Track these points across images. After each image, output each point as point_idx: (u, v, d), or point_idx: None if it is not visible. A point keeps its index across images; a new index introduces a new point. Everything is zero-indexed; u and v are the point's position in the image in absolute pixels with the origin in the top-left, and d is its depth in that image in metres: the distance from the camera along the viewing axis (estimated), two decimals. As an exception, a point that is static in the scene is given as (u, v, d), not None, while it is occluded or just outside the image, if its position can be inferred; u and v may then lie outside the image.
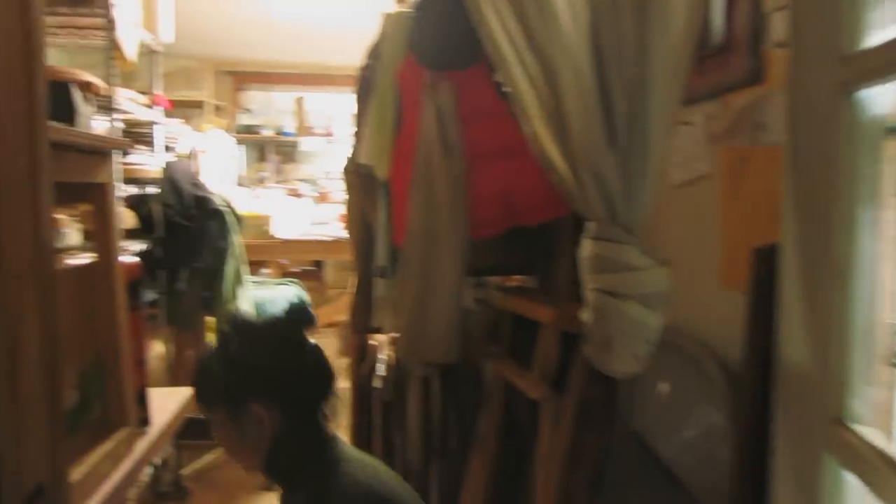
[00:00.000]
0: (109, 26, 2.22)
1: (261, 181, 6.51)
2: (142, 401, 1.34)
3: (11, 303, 0.70)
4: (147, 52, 2.74)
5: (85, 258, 1.20)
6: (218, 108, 6.30)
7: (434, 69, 1.77)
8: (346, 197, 2.13)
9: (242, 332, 1.30)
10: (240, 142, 6.67)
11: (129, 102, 2.46)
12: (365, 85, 1.98)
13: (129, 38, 2.36)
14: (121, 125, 3.26)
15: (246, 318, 1.37)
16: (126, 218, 2.66)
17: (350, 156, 2.10)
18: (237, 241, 2.91)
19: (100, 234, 1.19)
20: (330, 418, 1.34)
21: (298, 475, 1.26)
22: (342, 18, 4.94)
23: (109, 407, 1.21)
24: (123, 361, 1.23)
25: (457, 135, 1.73)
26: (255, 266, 3.95)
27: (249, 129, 6.29)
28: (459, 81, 1.77)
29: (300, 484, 1.26)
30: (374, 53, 1.95)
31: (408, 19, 1.80)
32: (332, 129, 6.22)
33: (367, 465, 1.31)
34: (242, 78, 6.68)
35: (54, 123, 0.95)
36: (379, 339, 2.28)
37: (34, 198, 0.74)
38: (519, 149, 1.80)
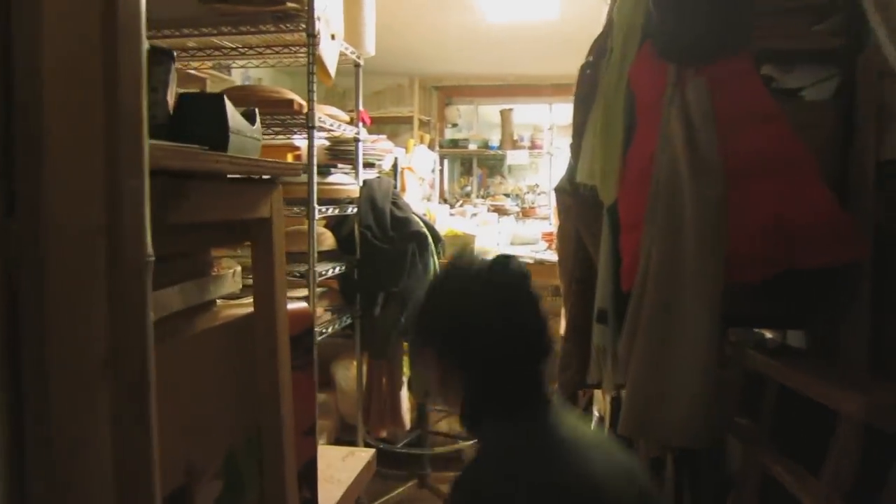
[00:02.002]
0: (312, 42, 2.10)
1: (466, 196, 6.41)
2: (308, 479, 1.10)
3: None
4: (351, 67, 2.62)
5: (240, 309, 0.97)
6: (424, 124, 6.30)
7: (681, 63, 1.37)
8: (558, 222, 1.80)
9: (455, 273, 1.18)
10: (445, 156, 6.64)
11: (331, 120, 2.34)
12: (586, 88, 1.62)
13: (331, 52, 2.23)
14: (323, 142, 3.24)
15: (464, 259, 1.18)
16: (326, 239, 2.56)
17: (565, 173, 1.75)
18: (436, 264, 2.69)
19: (261, 280, 0.96)
20: (544, 380, 1.13)
21: (486, 431, 1.12)
22: (552, 24, 4.62)
23: (266, 492, 0.98)
24: (285, 434, 0.99)
25: (712, 146, 1.31)
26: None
27: (455, 144, 6.21)
28: (714, 77, 1.36)
29: (483, 440, 1.13)
30: (600, 48, 1.59)
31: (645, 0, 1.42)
32: (538, 142, 5.92)
33: (566, 454, 1.03)
34: (448, 92, 6.64)
35: (188, 146, 0.71)
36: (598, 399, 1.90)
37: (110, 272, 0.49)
38: (797, 164, 1.34)
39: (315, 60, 2.16)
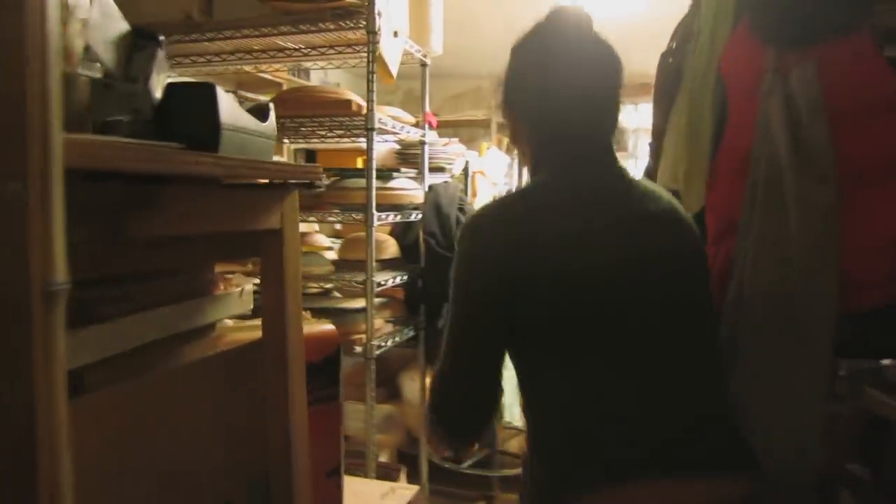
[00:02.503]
0: (373, 39, 1.98)
1: (544, 201, 6.19)
2: (331, 528, 0.96)
3: None
4: (417, 66, 2.49)
5: (246, 334, 0.84)
6: (501, 126, 6.13)
7: (784, 44, 1.15)
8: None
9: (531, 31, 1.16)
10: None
11: (393, 122, 2.21)
12: (669, 79, 1.41)
13: (393, 50, 2.11)
14: (394, 146, 3.13)
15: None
16: (389, 247, 2.44)
17: (643, 176, 1.55)
18: (505, 275, 2.52)
19: (271, 300, 0.82)
20: (607, 147, 1.12)
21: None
22: (639, 16, 4.35)
23: (276, 548, 0.84)
24: (297, 479, 0.85)
25: (822, 143, 1.08)
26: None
27: (534, 147, 6.00)
28: (825, 61, 1.13)
29: None
30: (685, 31, 1.38)
31: (740, -28, 1.21)
32: (622, 144, 5.64)
33: (573, 208, 1.04)
34: (529, 94, 6.44)
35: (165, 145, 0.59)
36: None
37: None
38: None
39: (375, 59, 2.04)
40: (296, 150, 4.09)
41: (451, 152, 3.18)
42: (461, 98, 6.47)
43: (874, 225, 1.05)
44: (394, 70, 2.13)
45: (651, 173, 1.47)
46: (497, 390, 1.07)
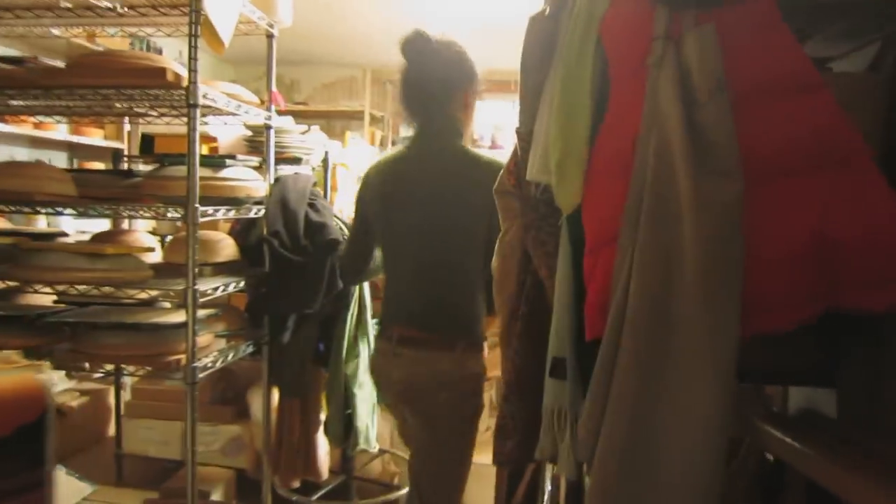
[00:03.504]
0: (195, -5, 1.62)
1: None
2: None
3: None
4: (261, 36, 2.14)
5: None
6: (377, 120, 5.83)
7: (676, 4, 0.93)
8: (501, 233, 1.34)
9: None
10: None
11: (228, 99, 1.85)
12: (539, 51, 1.17)
13: (224, 13, 1.75)
14: (245, 132, 2.74)
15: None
16: (224, 248, 2.07)
17: (506, 169, 1.29)
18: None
19: None
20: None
21: None
22: (510, 13, 4.20)
23: None
24: None
25: (722, 126, 0.87)
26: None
27: (410, 142, 5.75)
28: (724, 27, 0.92)
29: None
30: (559, -8, 1.14)
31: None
32: (500, 142, 5.49)
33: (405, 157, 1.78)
34: (405, 87, 6.18)
35: None
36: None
37: None
38: (849, 155, 0.92)
39: (200, 20, 1.68)
40: (142, 134, 3.59)
41: (309, 141, 2.84)
42: (334, 87, 6.11)
43: (785, 226, 0.85)
44: (225, 37, 1.77)
45: (522, 163, 1.22)
46: (369, 258, 1.87)
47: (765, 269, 0.86)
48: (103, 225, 3.11)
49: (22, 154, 3.65)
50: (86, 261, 1.72)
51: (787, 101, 0.87)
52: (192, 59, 1.66)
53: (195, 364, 1.73)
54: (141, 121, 2.47)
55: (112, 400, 3.09)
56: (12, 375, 0.69)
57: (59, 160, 4.01)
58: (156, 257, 2.15)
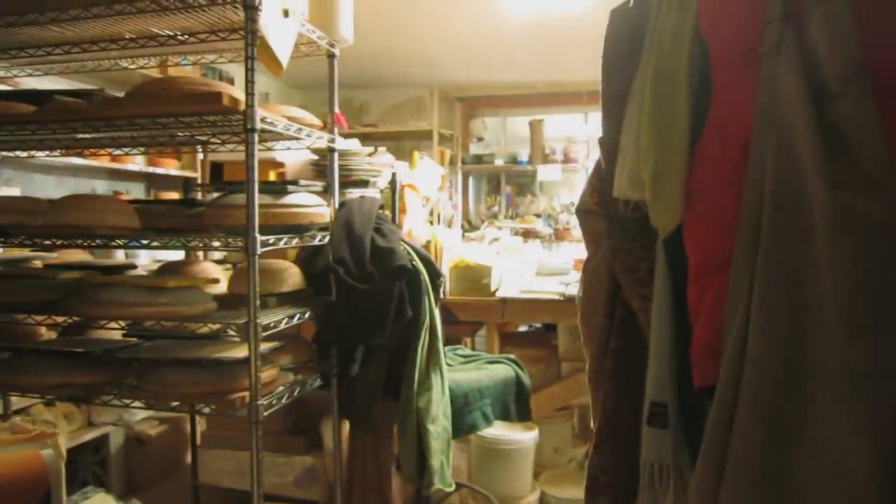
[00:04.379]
0: (251, 15, 1.55)
1: (493, 217, 5.81)
2: None
3: None
4: (322, 55, 2.07)
5: None
6: (446, 139, 5.74)
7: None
8: (585, 258, 1.18)
9: None
10: (470, 173, 6.07)
11: (285, 122, 1.78)
12: (624, 46, 1.02)
13: (282, 33, 1.68)
14: (310, 156, 2.69)
15: None
16: (289, 277, 1.99)
17: (590, 184, 1.14)
18: (433, 307, 2.10)
19: None
20: None
21: None
22: (584, 17, 4.03)
23: None
24: None
25: (868, 123, 0.69)
26: (466, 328, 3.15)
27: (480, 160, 5.63)
28: (861, 1, 0.75)
29: None
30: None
31: None
32: (572, 155, 5.30)
33: None
34: (472, 103, 6.08)
35: None
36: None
37: None
38: None
39: (256, 41, 1.61)
40: (212, 163, 3.62)
41: (376, 163, 2.76)
42: (403, 108, 6.08)
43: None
44: (283, 57, 1.70)
45: (607, 177, 1.07)
46: None
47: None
48: (179, 255, 3.13)
49: (101, 186, 3.75)
50: (147, 295, 1.67)
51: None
52: (250, 81, 1.59)
53: (259, 402, 1.64)
54: (210, 149, 2.45)
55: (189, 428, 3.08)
56: (12, 454, 0.61)
57: (137, 191, 4.11)
58: (223, 287, 2.09)
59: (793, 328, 0.72)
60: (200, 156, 3.87)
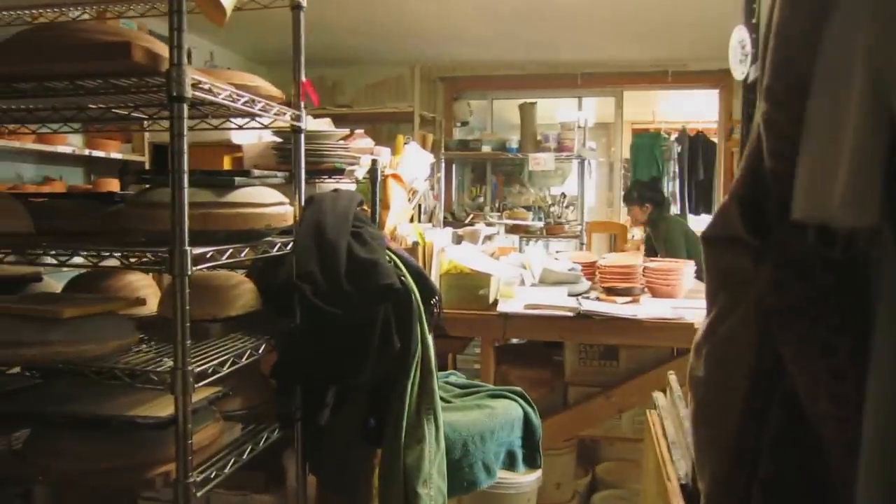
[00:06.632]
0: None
1: (478, 209, 5.36)
2: None
3: None
4: (284, 7, 1.58)
5: None
6: (427, 121, 5.26)
7: None
8: (711, 317, 0.73)
9: None
10: (453, 160, 5.60)
11: (227, 91, 1.29)
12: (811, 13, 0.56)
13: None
14: (273, 138, 2.20)
15: None
16: (239, 297, 1.52)
17: (732, 191, 0.68)
18: (426, 333, 1.65)
19: None
20: None
21: None
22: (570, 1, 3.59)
23: None
24: None
25: None
26: (454, 342, 2.69)
27: (465, 145, 5.16)
28: None
29: None
30: None
31: None
32: (566, 143, 4.85)
33: None
34: (457, 84, 5.60)
35: None
36: None
37: None
38: None
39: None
40: (155, 145, 3.10)
41: (353, 148, 2.28)
42: (380, 88, 5.57)
43: None
44: (227, 2, 1.21)
45: (754, 190, 0.61)
46: None
47: None
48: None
49: (29, 171, 3.22)
50: (35, 330, 1.19)
51: None
52: (177, 30, 1.11)
53: (190, 480, 1.18)
54: (144, 126, 1.95)
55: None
56: None
57: (74, 177, 3.57)
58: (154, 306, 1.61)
59: None
60: (148, 135, 3.35)
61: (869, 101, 0.50)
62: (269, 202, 1.45)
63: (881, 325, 0.53)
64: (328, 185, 2.16)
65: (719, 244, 0.67)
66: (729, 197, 0.65)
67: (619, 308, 2.32)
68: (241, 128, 1.72)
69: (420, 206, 4.81)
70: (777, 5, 0.57)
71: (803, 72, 0.57)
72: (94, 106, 1.47)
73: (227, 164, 2.46)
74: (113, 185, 3.28)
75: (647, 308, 2.39)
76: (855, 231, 0.51)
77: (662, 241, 4.11)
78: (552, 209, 5.05)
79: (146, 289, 1.65)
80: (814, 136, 0.54)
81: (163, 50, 1.16)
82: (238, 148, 2.45)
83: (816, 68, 0.55)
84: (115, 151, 3.36)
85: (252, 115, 1.50)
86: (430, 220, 5.00)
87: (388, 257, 1.61)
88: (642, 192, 4.27)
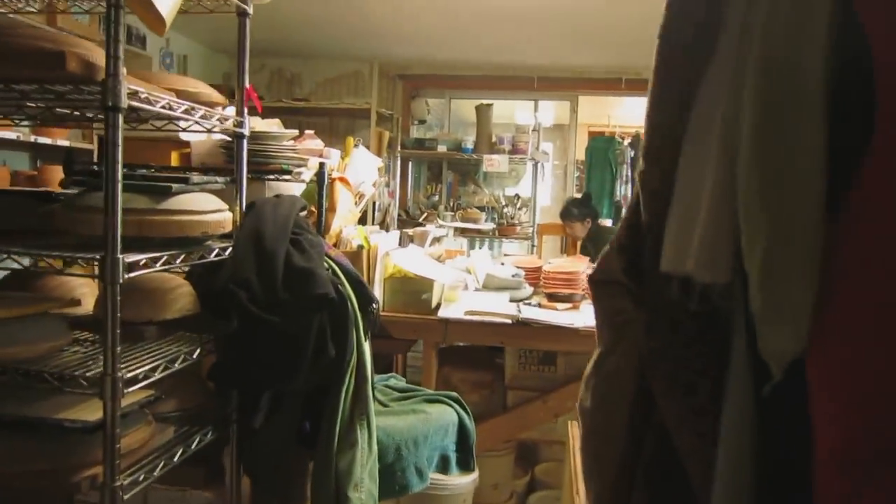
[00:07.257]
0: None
1: (432, 207, 5.40)
2: None
3: None
4: (230, 12, 1.59)
5: None
6: (385, 119, 5.28)
7: None
8: (598, 355, 0.79)
9: None
10: (409, 158, 5.63)
11: (165, 99, 1.30)
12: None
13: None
14: (222, 137, 2.20)
15: None
16: (176, 300, 1.54)
17: (617, 241, 0.73)
18: (362, 341, 1.68)
19: None
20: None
21: None
22: (539, 2, 3.65)
23: None
24: None
25: None
26: (399, 344, 2.74)
27: (421, 144, 5.19)
28: None
29: None
30: None
31: None
32: (520, 145, 4.93)
33: None
34: (415, 82, 5.62)
35: None
36: None
37: None
38: None
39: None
40: (99, 137, 3.04)
41: (301, 150, 2.30)
42: (338, 82, 5.56)
43: None
44: (163, 8, 1.22)
45: (633, 239, 0.67)
46: None
47: None
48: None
49: (-28, 157, 3.15)
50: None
51: None
52: (112, 39, 1.12)
53: (117, 483, 1.20)
54: (84, 124, 1.93)
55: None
56: None
57: (21, 162, 3.49)
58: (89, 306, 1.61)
59: None
60: (97, 125, 3.29)
61: (722, 169, 0.56)
62: (206, 209, 1.47)
63: (732, 373, 0.59)
64: (278, 185, 2.17)
65: (604, 286, 0.73)
66: (611, 244, 0.71)
67: (556, 316, 2.39)
68: (185, 130, 1.73)
69: (374, 203, 4.83)
70: (651, 76, 0.63)
71: (678, 135, 0.62)
72: (33, 105, 1.47)
73: (174, 159, 2.44)
74: (59, 172, 3.22)
75: (585, 316, 2.47)
76: (710, 286, 0.57)
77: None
78: (505, 210, 5.12)
79: (82, 287, 1.65)
80: (680, 198, 0.60)
81: (100, 58, 1.16)
82: (186, 144, 2.44)
83: (686, 135, 0.61)
84: (62, 139, 3.30)
85: (189, 121, 1.51)
86: (383, 218, 5.03)
87: (326, 265, 1.64)
88: (581, 208, 4.24)
